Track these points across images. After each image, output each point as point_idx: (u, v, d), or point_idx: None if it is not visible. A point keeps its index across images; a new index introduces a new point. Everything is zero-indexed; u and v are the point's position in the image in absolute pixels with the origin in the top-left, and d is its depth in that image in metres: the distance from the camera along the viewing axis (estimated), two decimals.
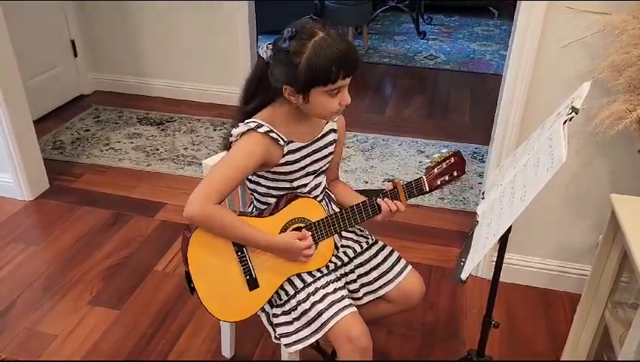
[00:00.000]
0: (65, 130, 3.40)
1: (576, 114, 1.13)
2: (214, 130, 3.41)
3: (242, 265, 1.39)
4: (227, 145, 1.42)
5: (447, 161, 1.46)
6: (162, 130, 3.41)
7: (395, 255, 1.56)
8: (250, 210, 1.56)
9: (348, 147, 3.20)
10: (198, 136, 3.35)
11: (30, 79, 3.26)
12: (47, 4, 3.44)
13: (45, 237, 2.47)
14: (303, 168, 1.44)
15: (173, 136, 3.34)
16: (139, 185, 2.86)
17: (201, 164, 1.54)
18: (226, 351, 1.88)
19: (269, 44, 1.33)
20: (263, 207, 1.49)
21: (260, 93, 1.39)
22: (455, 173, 1.48)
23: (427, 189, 1.46)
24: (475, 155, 3.17)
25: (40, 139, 2.91)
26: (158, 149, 3.19)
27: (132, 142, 3.26)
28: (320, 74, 1.25)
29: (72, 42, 3.69)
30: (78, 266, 2.29)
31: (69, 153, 3.14)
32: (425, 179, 1.45)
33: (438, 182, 1.47)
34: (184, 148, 3.21)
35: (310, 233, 1.41)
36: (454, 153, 1.48)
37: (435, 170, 1.46)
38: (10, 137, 2.57)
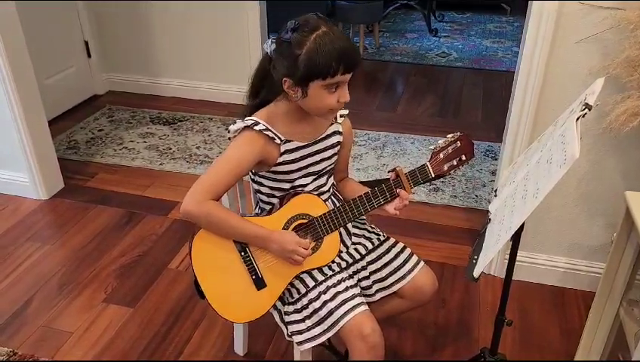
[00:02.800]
0: (79, 129, 3.43)
1: (590, 110, 1.12)
2: (226, 128, 3.41)
3: (247, 265, 1.39)
4: (228, 139, 1.43)
5: (453, 145, 1.41)
6: (175, 129, 3.43)
7: (407, 251, 1.56)
8: (256, 211, 1.57)
9: (359, 145, 3.20)
10: (210, 135, 3.36)
11: (45, 80, 3.30)
12: (61, 5, 3.48)
13: (60, 235, 2.50)
14: (302, 168, 1.43)
15: (186, 135, 3.36)
16: (152, 184, 2.88)
17: (211, 164, 1.55)
18: (239, 349, 1.89)
19: (273, 38, 1.33)
20: (268, 208, 1.50)
21: (264, 88, 1.41)
22: (464, 157, 1.42)
23: (433, 175, 1.41)
24: (487, 153, 3.15)
25: (54, 139, 2.95)
26: (170, 148, 3.21)
27: (145, 142, 3.29)
28: (319, 67, 1.25)
29: (86, 43, 3.73)
30: (93, 264, 2.32)
31: (83, 153, 3.18)
32: (429, 165, 1.41)
33: (445, 168, 1.41)
34: (196, 147, 3.23)
35: (308, 236, 1.40)
36: (460, 136, 1.43)
37: (441, 155, 1.41)
38: (26, 137, 2.60)
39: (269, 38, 1.35)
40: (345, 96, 1.32)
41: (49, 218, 2.63)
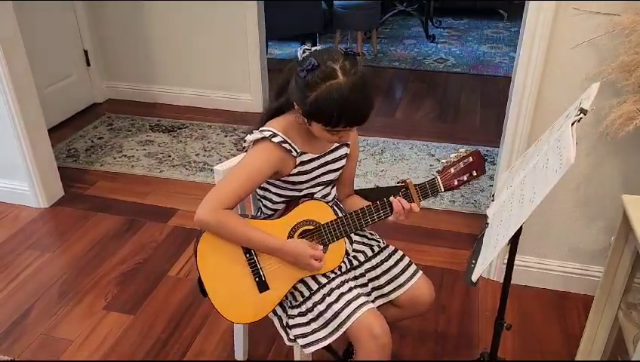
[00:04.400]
0: (79, 138, 3.44)
1: (585, 115, 1.13)
2: (225, 135, 3.44)
3: (251, 268, 1.41)
4: (243, 149, 1.44)
5: (465, 160, 1.42)
6: (174, 136, 3.44)
7: (406, 260, 1.56)
8: (258, 215, 1.58)
9: (359, 151, 3.21)
10: (209, 142, 3.38)
11: (44, 89, 3.32)
12: (61, 14, 3.50)
13: (61, 243, 2.51)
14: (313, 178, 1.45)
15: (185, 142, 3.37)
16: (151, 191, 2.89)
17: (212, 170, 1.56)
18: (239, 355, 1.89)
19: (307, 48, 1.35)
20: (271, 213, 1.51)
21: (286, 92, 1.41)
22: (475, 173, 1.43)
23: (442, 189, 1.42)
24: (486, 157, 3.16)
25: (54, 147, 2.96)
26: (170, 156, 3.22)
27: (144, 149, 3.30)
28: (322, 116, 1.28)
29: (85, 52, 3.75)
30: (93, 272, 2.32)
31: (82, 161, 3.18)
32: (439, 179, 1.42)
33: (455, 182, 1.42)
34: (196, 155, 3.24)
35: (321, 246, 1.41)
36: (472, 152, 1.43)
37: (452, 170, 1.42)
38: (26, 146, 2.61)
39: (302, 46, 1.36)
40: (346, 139, 1.37)
41: (49, 226, 2.64)
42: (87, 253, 2.44)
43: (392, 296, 1.52)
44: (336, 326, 1.38)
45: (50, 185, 2.78)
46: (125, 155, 3.23)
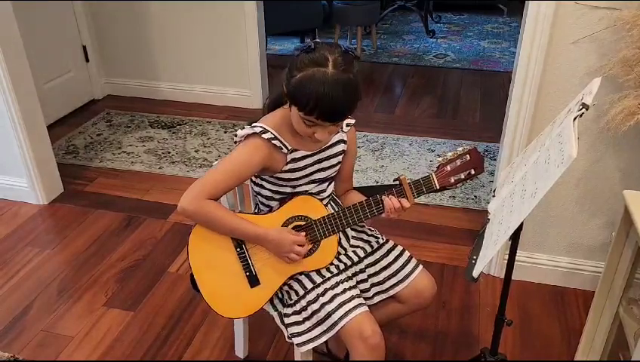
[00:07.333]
0: (78, 134, 3.43)
1: (587, 110, 1.13)
2: (225, 132, 3.43)
3: (242, 262, 1.41)
4: (235, 143, 1.44)
5: (462, 158, 1.40)
6: (173, 133, 3.44)
7: (406, 254, 1.56)
8: (254, 211, 1.57)
9: (358, 147, 3.20)
10: (209, 138, 3.37)
11: (43, 85, 3.31)
12: (59, 10, 3.48)
13: (60, 240, 2.50)
14: (306, 176, 1.44)
15: (185, 138, 3.37)
16: (151, 187, 2.88)
17: (212, 166, 1.55)
18: (240, 352, 1.89)
19: (317, 40, 1.35)
20: (267, 210, 1.50)
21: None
22: (472, 171, 1.41)
23: (437, 187, 1.40)
24: (486, 153, 3.16)
25: (53, 144, 2.95)
26: (169, 152, 3.22)
27: (144, 146, 3.29)
28: (299, 99, 1.26)
29: (84, 48, 3.74)
30: (93, 269, 2.32)
31: (82, 157, 3.18)
32: (434, 177, 1.40)
33: (452, 180, 1.40)
34: (195, 151, 3.23)
35: (304, 233, 1.40)
36: (470, 150, 1.41)
37: (447, 168, 1.40)
38: (25, 143, 2.60)
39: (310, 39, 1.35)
40: (321, 136, 1.31)
41: (48, 223, 2.63)
42: (87, 249, 2.44)
43: (392, 292, 1.52)
44: (328, 326, 1.39)
45: (49, 181, 2.77)
46: (125, 152, 3.23)
